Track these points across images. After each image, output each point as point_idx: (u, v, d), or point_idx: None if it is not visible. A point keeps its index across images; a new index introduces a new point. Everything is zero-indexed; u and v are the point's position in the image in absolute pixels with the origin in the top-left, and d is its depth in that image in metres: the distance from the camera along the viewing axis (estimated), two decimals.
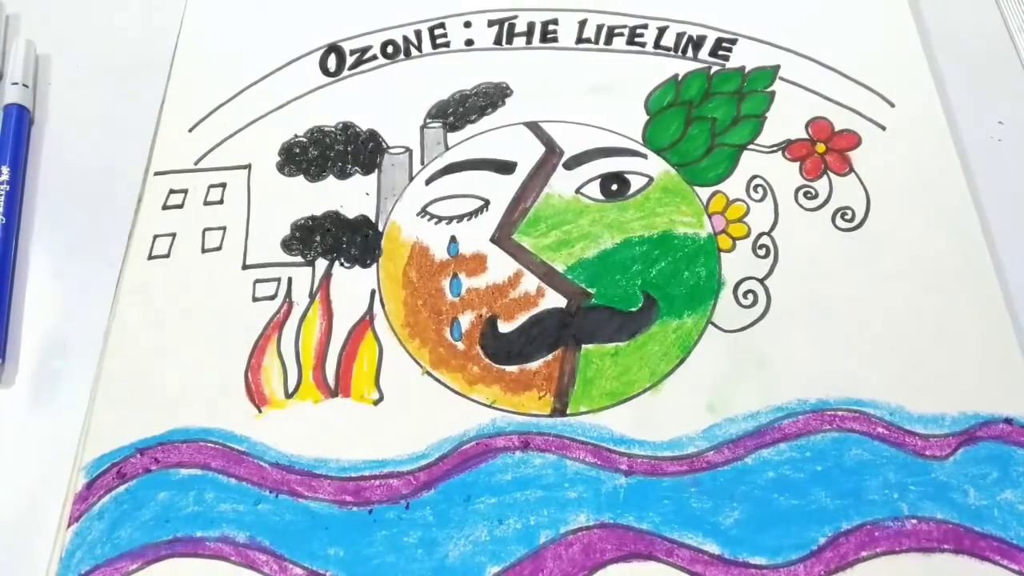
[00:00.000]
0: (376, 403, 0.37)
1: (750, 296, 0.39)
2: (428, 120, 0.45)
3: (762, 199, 0.42)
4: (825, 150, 0.43)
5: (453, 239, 0.41)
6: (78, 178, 0.45)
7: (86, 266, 0.42)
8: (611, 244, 0.41)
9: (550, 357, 0.38)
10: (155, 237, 0.42)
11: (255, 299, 0.40)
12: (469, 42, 0.48)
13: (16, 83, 0.46)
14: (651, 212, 0.42)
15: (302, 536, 0.34)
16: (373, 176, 0.43)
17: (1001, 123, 0.44)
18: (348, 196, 0.43)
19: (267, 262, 0.41)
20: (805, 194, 0.42)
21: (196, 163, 0.44)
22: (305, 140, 0.45)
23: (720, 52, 0.47)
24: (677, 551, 0.34)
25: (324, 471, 0.36)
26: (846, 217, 0.41)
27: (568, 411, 0.37)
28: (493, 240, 0.41)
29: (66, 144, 0.46)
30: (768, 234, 0.41)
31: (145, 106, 0.46)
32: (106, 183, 0.44)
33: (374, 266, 0.41)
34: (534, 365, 0.38)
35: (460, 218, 0.42)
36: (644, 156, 0.43)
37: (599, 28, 0.48)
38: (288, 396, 0.38)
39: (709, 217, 0.41)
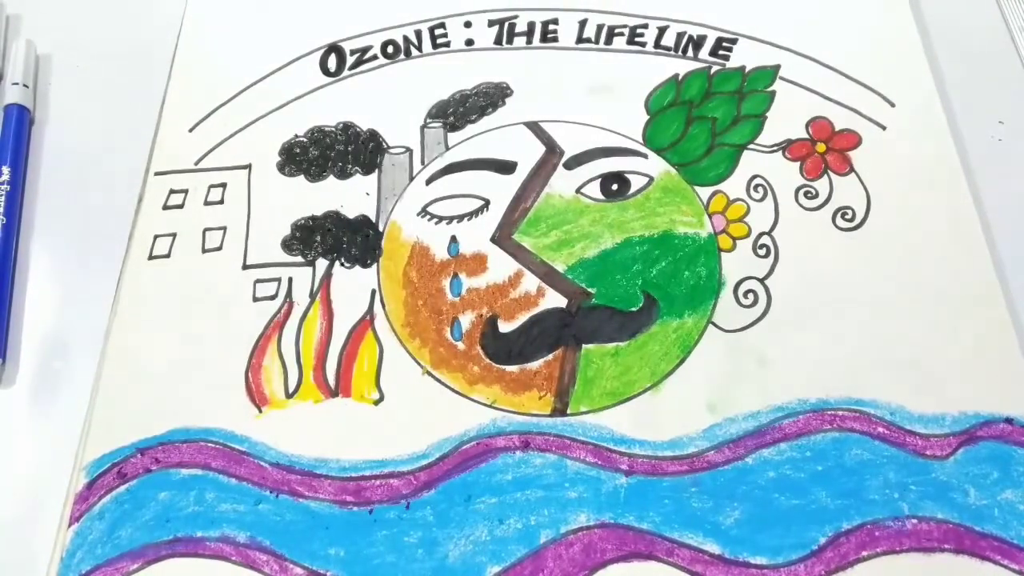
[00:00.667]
0: (376, 403, 0.37)
1: (750, 296, 0.39)
2: (428, 120, 0.45)
3: (762, 199, 0.42)
4: (825, 150, 0.43)
5: (453, 239, 0.41)
6: (78, 178, 0.45)
7: (86, 266, 0.42)
8: (611, 244, 0.41)
9: (550, 357, 0.38)
10: (155, 237, 0.42)
11: (255, 299, 0.40)
12: (469, 42, 0.48)
13: (16, 83, 0.46)
14: (651, 212, 0.42)
15: (303, 536, 0.34)
16: (373, 176, 0.43)
17: (1001, 123, 0.44)
18: (348, 196, 0.43)
19: (267, 262, 0.41)
20: (805, 194, 0.42)
21: (196, 163, 0.44)
22: (305, 140, 0.45)
23: (720, 52, 0.47)
24: (677, 551, 0.34)
25: (324, 471, 0.36)
26: (846, 217, 0.41)
27: (568, 411, 0.37)
28: (493, 240, 0.41)
29: (66, 144, 0.46)
30: (768, 234, 0.41)
31: (145, 106, 0.46)
32: (106, 183, 0.44)
33: (374, 266, 0.41)
34: (534, 365, 0.38)
35: (460, 218, 0.42)
36: (644, 156, 0.43)
37: (599, 28, 0.48)
38: (289, 396, 0.38)
39: (709, 217, 0.41)
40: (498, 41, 0.48)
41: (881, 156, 0.43)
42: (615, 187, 0.42)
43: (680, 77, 0.46)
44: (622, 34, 0.48)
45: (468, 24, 0.48)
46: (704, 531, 0.34)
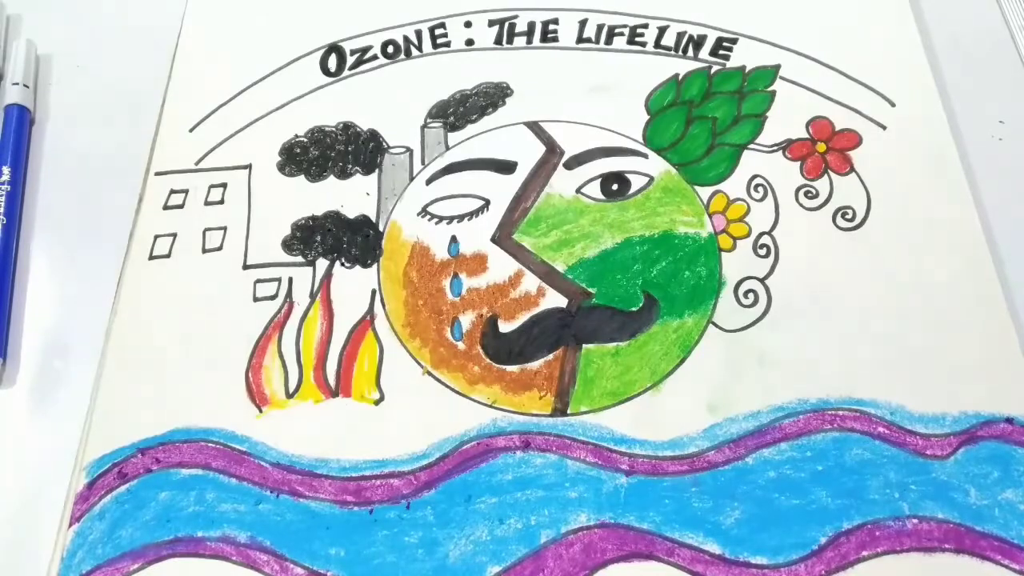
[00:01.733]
0: (377, 403, 0.37)
1: (751, 296, 0.39)
2: (429, 120, 0.45)
3: (763, 199, 0.42)
4: (826, 149, 0.43)
5: (454, 239, 0.41)
6: (78, 178, 0.45)
7: (86, 266, 0.42)
8: (612, 244, 0.41)
9: (551, 357, 0.38)
10: (156, 237, 0.42)
11: (256, 299, 0.40)
12: (470, 42, 0.48)
13: (17, 83, 0.46)
14: (652, 212, 0.42)
15: (303, 536, 0.34)
16: (374, 176, 0.43)
17: (1002, 122, 0.44)
18: (349, 196, 0.43)
19: (268, 262, 0.41)
20: (806, 193, 0.42)
21: (197, 163, 0.44)
22: (306, 140, 0.45)
23: (720, 51, 0.47)
24: (678, 551, 0.34)
25: (325, 471, 0.36)
26: (847, 217, 0.41)
27: (569, 411, 0.37)
28: (494, 240, 0.41)
29: (66, 144, 0.46)
30: (769, 233, 0.41)
31: (145, 106, 0.46)
32: (106, 183, 0.44)
33: (375, 266, 0.41)
34: (535, 365, 0.38)
35: (461, 218, 0.42)
36: (645, 156, 0.43)
37: (599, 28, 0.48)
38: (289, 396, 0.38)
39: (710, 217, 0.41)
40: (498, 41, 0.48)
41: (881, 156, 0.43)
42: (615, 187, 0.42)
43: (680, 77, 0.46)
44: (622, 34, 0.48)
45: (468, 24, 0.48)
46: (704, 531, 0.34)
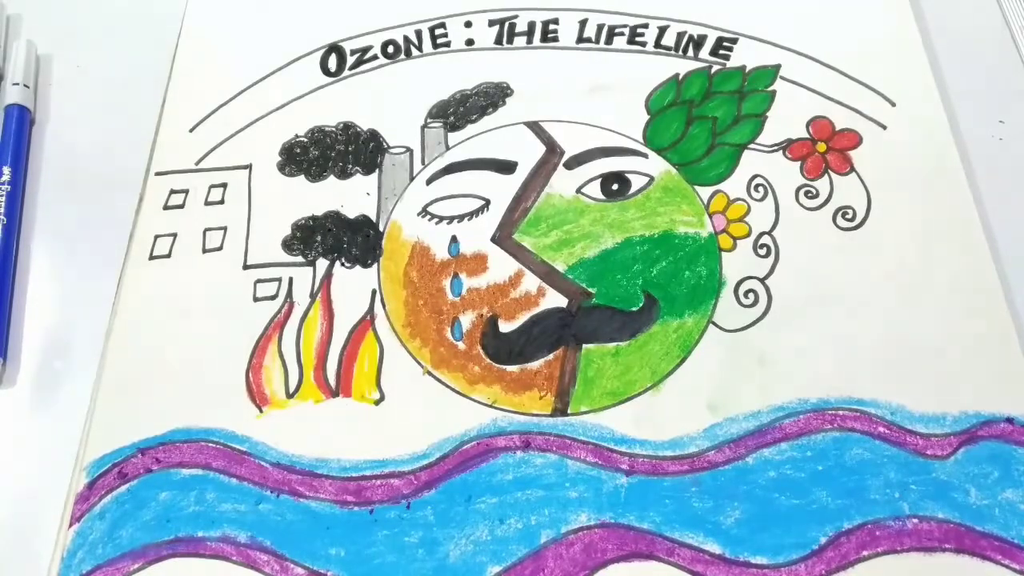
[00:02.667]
0: (377, 403, 0.37)
1: (751, 295, 0.39)
2: (429, 120, 0.45)
3: (763, 198, 0.42)
4: (826, 149, 0.43)
5: (454, 239, 0.41)
6: (79, 178, 0.45)
7: (87, 266, 0.42)
8: (612, 244, 0.41)
9: (551, 357, 0.38)
10: (156, 237, 0.42)
11: (256, 299, 0.40)
12: (470, 42, 0.48)
13: (17, 83, 0.46)
14: (652, 212, 0.42)
15: (303, 536, 0.34)
16: (374, 176, 0.43)
17: (1002, 122, 0.44)
18: (349, 196, 0.43)
19: (268, 262, 0.41)
20: (806, 193, 0.42)
21: (197, 163, 0.44)
22: (306, 140, 0.45)
23: (721, 51, 0.47)
24: (678, 551, 0.34)
25: (325, 471, 0.36)
26: (847, 216, 0.41)
27: (569, 411, 0.37)
28: (494, 240, 0.41)
29: (66, 144, 0.46)
30: (769, 233, 0.41)
31: (146, 106, 0.46)
32: (107, 183, 0.44)
33: (375, 266, 0.41)
34: (535, 365, 0.38)
35: (461, 218, 0.42)
36: (645, 156, 0.43)
37: (600, 28, 0.48)
38: (289, 396, 0.38)
39: (710, 216, 0.41)
40: (498, 41, 0.48)
41: (881, 156, 0.43)
42: (615, 187, 0.42)
43: (680, 77, 0.46)
44: (622, 34, 0.48)
45: (468, 24, 0.48)
46: (705, 531, 0.34)
